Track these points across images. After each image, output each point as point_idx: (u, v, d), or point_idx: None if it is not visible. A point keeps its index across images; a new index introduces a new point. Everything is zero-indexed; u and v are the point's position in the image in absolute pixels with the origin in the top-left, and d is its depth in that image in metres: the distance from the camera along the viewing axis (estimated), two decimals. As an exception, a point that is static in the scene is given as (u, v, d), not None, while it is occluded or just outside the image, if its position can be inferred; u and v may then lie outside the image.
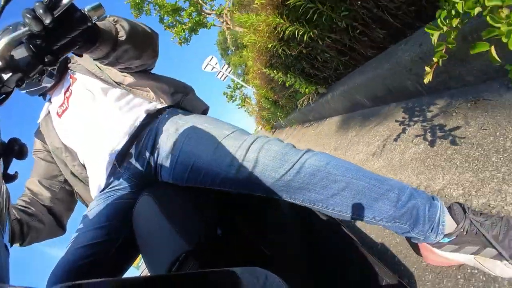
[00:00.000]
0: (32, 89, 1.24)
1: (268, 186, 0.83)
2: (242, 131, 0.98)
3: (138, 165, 1.03)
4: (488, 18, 0.77)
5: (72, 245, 0.91)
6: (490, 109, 1.22)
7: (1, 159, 0.54)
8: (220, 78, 14.22)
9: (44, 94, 1.33)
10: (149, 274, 0.74)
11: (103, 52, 0.88)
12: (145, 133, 1.06)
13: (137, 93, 1.17)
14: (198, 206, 0.93)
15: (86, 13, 0.70)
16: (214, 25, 10.86)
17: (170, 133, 0.98)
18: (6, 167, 0.57)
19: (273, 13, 2.41)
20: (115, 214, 0.97)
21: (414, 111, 1.77)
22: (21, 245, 1.11)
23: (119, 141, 1.04)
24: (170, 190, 0.96)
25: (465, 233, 0.79)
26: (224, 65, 14.02)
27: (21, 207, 1.13)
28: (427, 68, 0.99)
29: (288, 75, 3.27)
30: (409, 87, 1.83)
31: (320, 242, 1.05)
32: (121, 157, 1.04)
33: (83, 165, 1.16)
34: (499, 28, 0.74)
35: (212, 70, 12.43)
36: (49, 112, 1.29)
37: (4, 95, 0.65)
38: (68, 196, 1.27)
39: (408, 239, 0.95)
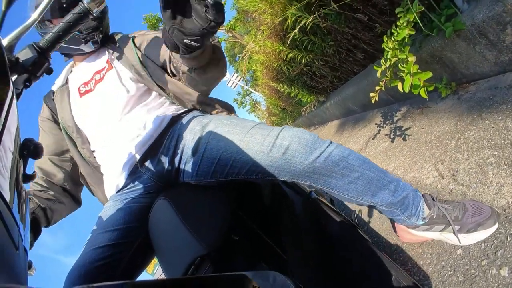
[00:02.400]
0: (68, 46, 1.14)
1: (296, 171, 0.85)
2: (265, 124, 0.97)
3: (159, 166, 1.02)
4: (399, 66, 1.34)
5: (88, 246, 0.89)
6: (429, 113, 1.76)
7: (21, 160, 0.53)
8: (231, 86, 14.68)
9: (69, 55, 1.26)
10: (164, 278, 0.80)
11: (200, 62, 0.91)
12: (167, 134, 1.05)
13: (172, 99, 1.19)
14: (214, 210, 0.92)
15: (86, 5, 0.69)
16: (224, 40, 11.35)
17: (196, 131, 0.98)
18: (24, 167, 0.56)
19: (277, 40, 3.00)
20: (132, 217, 0.95)
21: (387, 116, 2.32)
22: (46, 226, 1.13)
23: (145, 143, 1.02)
24: (187, 193, 0.96)
25: (434, 217, 0.96)
26: (234, 73, 14.42)
27: (39, 193, 1.14)
28: (372, 94, 1.55)
29: (293, 87, 3.82)
30: (383, 97, 2.38)
31: (335, 244, 1.05)
32: (144, 158, 1.03)
33: (93, 152, 1.15)
34: (402, 74, 1.30)
35: (222, 79, 12.74)
36: (67, 82, 1.24)
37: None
38: (78, 173, 1.25)
39: (392, 222, 1.07)
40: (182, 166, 0.99)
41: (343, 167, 0.85)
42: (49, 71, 0.73)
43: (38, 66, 0.67)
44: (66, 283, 0.80)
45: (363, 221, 1.63)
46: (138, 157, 1.02)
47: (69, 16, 0.70)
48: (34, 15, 0.67)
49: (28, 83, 0.68)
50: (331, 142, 0.88)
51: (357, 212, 1.67)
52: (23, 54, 0.66)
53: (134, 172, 1.04)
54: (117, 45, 1.23)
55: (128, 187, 1.04)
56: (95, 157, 1.14)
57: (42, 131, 1.26)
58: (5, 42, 0.63)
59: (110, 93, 1.12)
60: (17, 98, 0.62)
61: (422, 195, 0.99)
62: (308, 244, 1.06)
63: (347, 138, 3.01)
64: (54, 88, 1.25)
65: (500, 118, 1.19)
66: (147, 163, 1.03)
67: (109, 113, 1.09)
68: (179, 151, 1.00)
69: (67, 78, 1.24)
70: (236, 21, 10.41)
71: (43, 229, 1.11)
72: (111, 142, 1.07)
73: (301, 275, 0.91)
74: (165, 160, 1.02)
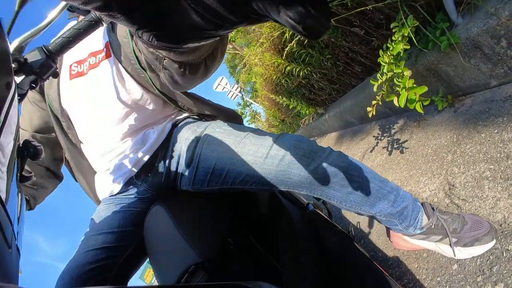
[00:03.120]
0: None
1: (292, 182, 0.82)
2: (261, 130, 0.93)
3: (156, 178, 0.99)
4: (395, 80, 1.34)
5: (81, 248, 0.86)
6: (426, 126, 1.77)
7: (19, 160, 0.52)
8: (231, 97, 14.71)
9: (73, 10, 0.95)
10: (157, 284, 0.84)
11: (202, 55, 0.50)
12: (164, 145, 1.00)
13: (174, 107, 1.06)
14: (210, 218, 0.91)
15: (98, 15, 0.68)
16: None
17: (190, 141, 0.94)
18: (21, 168, 0.56)
19: (275, 53, 3.02)
20: (128, 221, 0.93)
21: (385, 129, 2.33)
22: (29, 210, 1.11)
23: (143, 156, 0.96)
24: (183, 200, 0.95)
25: (433, 227, 0.93)
26: (234, 84, 14.45)
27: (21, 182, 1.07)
28: (368, 108, 1.56)
29: (291, 99, 3.84)
30: (381, 110, 2.39)
31: (331, 257, 1.03)
32: (141, 171, 0.98)
33: (81, 143, 1.05)
34: (398, 88, 1.31)
35: (223, 90, 12.72)
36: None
37: (19, 97, 0.62)
38: (62, 153, 1.14)
39: (387, 228, 1.03)
40: (178, 176, 0.96)
41: (342, 178, 0.81)
42: (55, 75, 0.72)
43: (46, 69, 0.67)
44: (58, 284, 0.78)
45: (360, 234, 1.61)
46: (135, 171, 0.97)
47: (80, 23, 0.70)
48: (50, 17, 0.69)
49: (34, 85, 0.67)
50: (331, 151, 0.84)
51: (354, 225, 1.66)
52: (32, 55, 0.66)
53: (130, 182, 0.99)
54: (114, 37, 1.01)
55: (123, 193, 1.00)
56: (81, 147, 1.06)
57: (27, 101, 1.13)
58: (16, 42, 0.65)
59: (106, 86, 0.98)
60: (22, 98, 0.65)
61: (422, 204, 0.96)
62: (304, 256, 1.03)
63: (345, 151, 3.01)
64: None
65: (496, 131, 1.19)
66: (144, 175, 0.99)
67: (102, 110, 0.98)
68: (175, 161, 0.96)
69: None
70: (237, 33, 10.48)
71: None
72: (104, 146, 0.99)
73: (296, 286, 0.89)
74: (161, 171, 0.98)
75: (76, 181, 1.15)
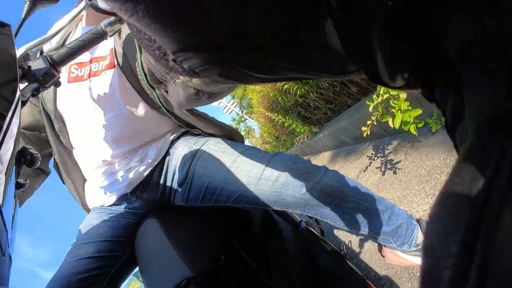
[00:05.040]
0: None
1: (286, 203, 0.82)
2: (256, 149, 0.93)
3: (151, 195, 0.97)
4: (391, 102, 1.37)
5: (71, 256, 0.84)
6: (420, 147, 1.79)
7: (16, 166, 0.52)
8: (226, 112, 14.81)
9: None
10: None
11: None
12: (160, 160, 0.98)
13: (176, 120, 1.01)
14: (203, 233, 0.91)
15: (103, 28, 0.70)
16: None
17: (186, 159, 0.93)
18: (17, 175, 0.56)
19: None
20: (121, 231, 0.92)
21: (379, 149, 2.35)
22: None
23: (140, 175, 0.94)
24: (177, 214, 0.95)
25: None
26: (230, 99, 14.56)
27: None
28: (363, 128, 1.58)
29: (287, 117, 3.88)
30: (375, 131, 2.42)
31: (324, 275, 1.02)
32: (136, 188, 0.95)
33: (73, 149, 1.00)
34: (393, 110, 1.33)
35: (219, 104, 12.85)
36: (63, 45, 0.97)
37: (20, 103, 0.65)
38: (51, 150, 1.08)
39: (379, 244, 1.01)
40: (173, 192, 0.95)
41: (337, 198, 0.80)
42: (57, 84, 0.72)
43: (49, 78, 0.67)
44: None
45: (353, 253, 1.61)
46: (130, 188, 0.94)
47: (85, 36, 0.71)
48: (57, 27, 0.70)
49: (36, 93, 0.66)
50: (325, 170, 0.83)
51: (346, 243, 1.65)
52: (36, 64, 0.66)
53: (124, 197, 0.96)
54: (119, 50, 0.94)
55: (116, 205, 0.97)
56: (73, 151, 1.01)
57: None
58: (22, 49, 0.65)
59: (107, 99, 0.92)
60: (23, 105, 0.63)
61: (418, 220, 0.93)
62: (296, 273, 1.02)
63: (339, 170, 3.01)
64: (44, 47, 0.96)
65: (487, 155, 1.21)
66: (139, 192, 0.96)
67: (101, 123, 0.91)
68: (170, 178, 0.95)
69: (65, 39, 0.99)
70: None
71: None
72: (100, 159, 0.94)
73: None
74: (156, 188, 0.96)
75: (64, 183, 1.10)
